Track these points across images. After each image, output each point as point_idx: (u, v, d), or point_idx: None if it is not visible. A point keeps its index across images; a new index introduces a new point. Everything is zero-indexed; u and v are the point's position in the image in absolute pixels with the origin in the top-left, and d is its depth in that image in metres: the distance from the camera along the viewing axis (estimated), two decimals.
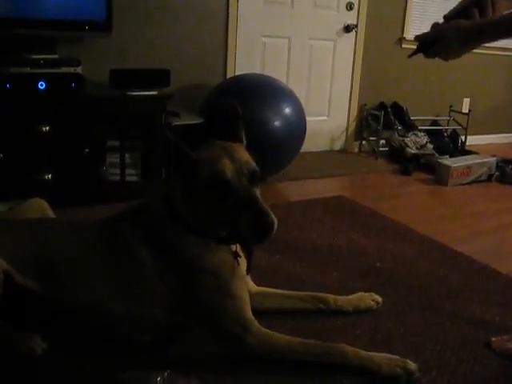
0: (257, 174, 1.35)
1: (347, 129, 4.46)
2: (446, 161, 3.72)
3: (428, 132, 4.37)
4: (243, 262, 1.48)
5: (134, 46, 3.32)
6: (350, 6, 4.13)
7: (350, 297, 1.77)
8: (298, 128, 3.27)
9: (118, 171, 2.90)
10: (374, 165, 4.10)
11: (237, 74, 3.65)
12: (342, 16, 4.14)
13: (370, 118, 4.41)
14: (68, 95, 2.70)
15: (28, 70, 2.59)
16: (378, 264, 2.17)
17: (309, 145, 3.81)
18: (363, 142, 4.49)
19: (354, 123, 4.46)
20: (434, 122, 4.78)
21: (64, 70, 2.69)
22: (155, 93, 2.91)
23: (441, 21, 1.47)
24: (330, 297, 1.73)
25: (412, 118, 4.46)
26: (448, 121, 4.82)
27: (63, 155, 2.71)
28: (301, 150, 3.46)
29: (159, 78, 2.94)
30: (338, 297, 1.75)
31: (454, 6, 1.48)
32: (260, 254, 1.97)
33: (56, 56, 2.79)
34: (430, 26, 1.45)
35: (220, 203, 1.31)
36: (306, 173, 3.65)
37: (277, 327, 1.48)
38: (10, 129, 2.56)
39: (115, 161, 2.90)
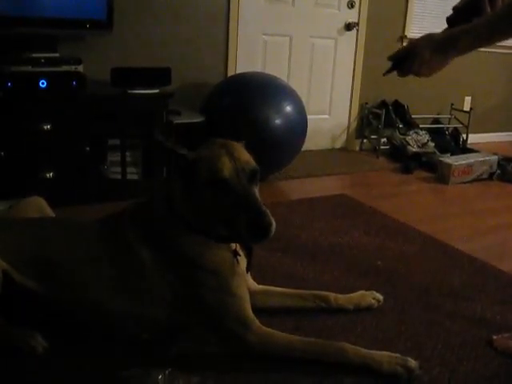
0: (257, 174, 1.34)
1: (348, 127, 4.45)
2: (448, 159, 3.72)
3: (429, 130, 4.37)
4: (243, 261, 1.48)
5: (135, 45, 3.32)
6: (351, 4, 4.13)
7: (350, 295, 1.77)
8: (299, 126, 3.26)
9: (118, 170, 2.90)
10: (375, 163, 4.09)
11: (238, 72, 3.65)
12: (343, 14, 4.13)
13: (371, 116, 4.40)
14: (69, 94, 2.70)
15: (29, 68, 2.59)
16: (379, 262, 2.17)
17: (310, 143, 3.81)
18: (364, 141, 4.49)
19: (355, 121, 4.45)
20: (436, 121, 4.77)
21: (65, 68, 2.68)
22: (156, 91, 2.91)
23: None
24: (331, 295, 1.73)
25: (413, 116, 4.45)
26: (449, 119, 4.81)
27: (64, 153, 2.71)
28: (302, 149, 3.46)
29: (160, 76, 2.93)
30: (339, 295, 1.75)
31: None
32: (261, 253, 1.97)
33: (57, 55, 2.79)
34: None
35: (219, 202, 1.30)
36: (307, 171, 3.65)
37: (277, 325, 1.48)
38: (11, 127, 2.57)
39: (116, 159, 2.90)
